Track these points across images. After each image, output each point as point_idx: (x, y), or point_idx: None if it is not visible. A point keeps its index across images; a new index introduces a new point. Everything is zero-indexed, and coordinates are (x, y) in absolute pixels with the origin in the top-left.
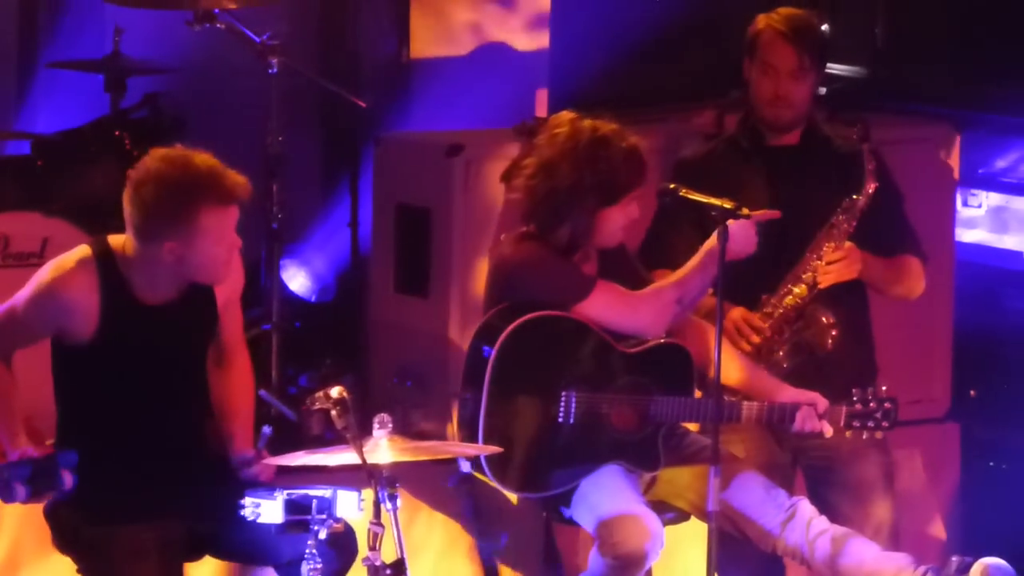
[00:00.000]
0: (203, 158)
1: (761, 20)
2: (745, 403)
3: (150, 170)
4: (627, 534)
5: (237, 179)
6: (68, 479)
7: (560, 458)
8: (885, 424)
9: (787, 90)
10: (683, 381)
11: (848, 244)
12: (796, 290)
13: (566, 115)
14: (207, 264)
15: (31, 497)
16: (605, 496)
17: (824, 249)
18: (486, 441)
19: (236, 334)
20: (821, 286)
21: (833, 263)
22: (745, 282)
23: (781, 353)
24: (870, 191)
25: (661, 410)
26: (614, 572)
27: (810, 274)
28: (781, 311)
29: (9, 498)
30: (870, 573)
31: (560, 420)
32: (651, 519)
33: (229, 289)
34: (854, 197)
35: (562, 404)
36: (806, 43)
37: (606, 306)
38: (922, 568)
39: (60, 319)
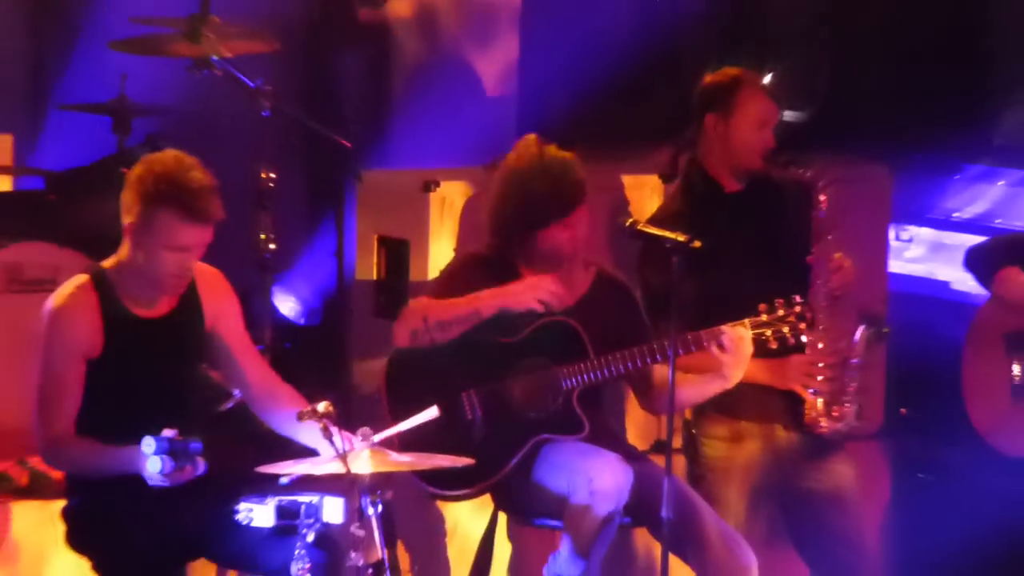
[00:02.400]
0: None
1: (734, 77)
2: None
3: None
4: (599, 471)
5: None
6: (201, 464)
7: (485, 451)
8: (803, 326)
9: (757, 140)
10: (577, 347)
11: (838, 255)
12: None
13: (527, 138)
14: (156, 272)
15: (173, 471)
16: (572, 456)
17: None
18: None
19: (264, 370)
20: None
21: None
22: (713, 314)
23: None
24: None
25: (569, 378)
26: (592, 511)
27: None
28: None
29: (157, 470)
30: None
31: (469, 418)
32: (620, 459)
33: (219, 304)
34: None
35: (465, 404)
36: (775, 95)
37: None
38: None
39: (76, 346)
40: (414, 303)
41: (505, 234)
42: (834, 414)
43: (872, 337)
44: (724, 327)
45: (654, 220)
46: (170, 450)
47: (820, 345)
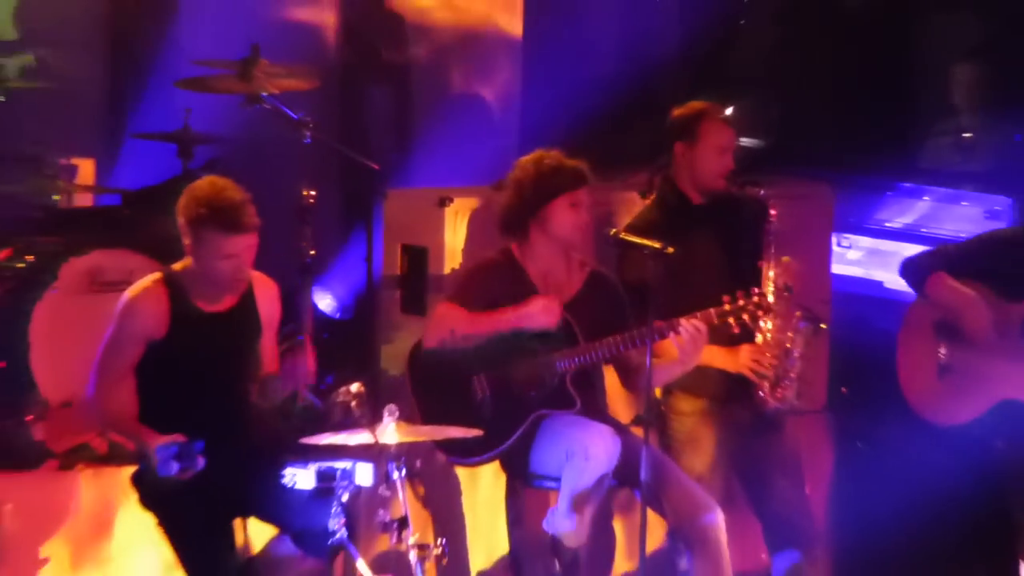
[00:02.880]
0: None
1: (698, 111)
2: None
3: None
4: (593, 440)
5: (240, 215)
6: (200, 460)
7: (494, 425)
8: (760, 312)
9: (723, 164)
10: (570, 336)
11: (785, 258)
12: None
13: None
14: (214, 277)
15: (179, 472)
16: (567, 428)
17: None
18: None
19: (271, 357)
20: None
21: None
22: (681, 307)
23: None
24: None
25: (562, 361)
26: (586, 474)
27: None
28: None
29: (165, 471)
30: None
31: (479, 398)
32: (609, 431)
33: (268, 309)
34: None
35: (476, 386)
36: (737, 126)
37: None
38: None
39: (142, 330)
40: (440, 310)
41: (519, 214)
42: (777, 395)
43: (810, 332)
44: (681, 319)
45: (632, 227)
46: (177, 454)
47: (767, 337)
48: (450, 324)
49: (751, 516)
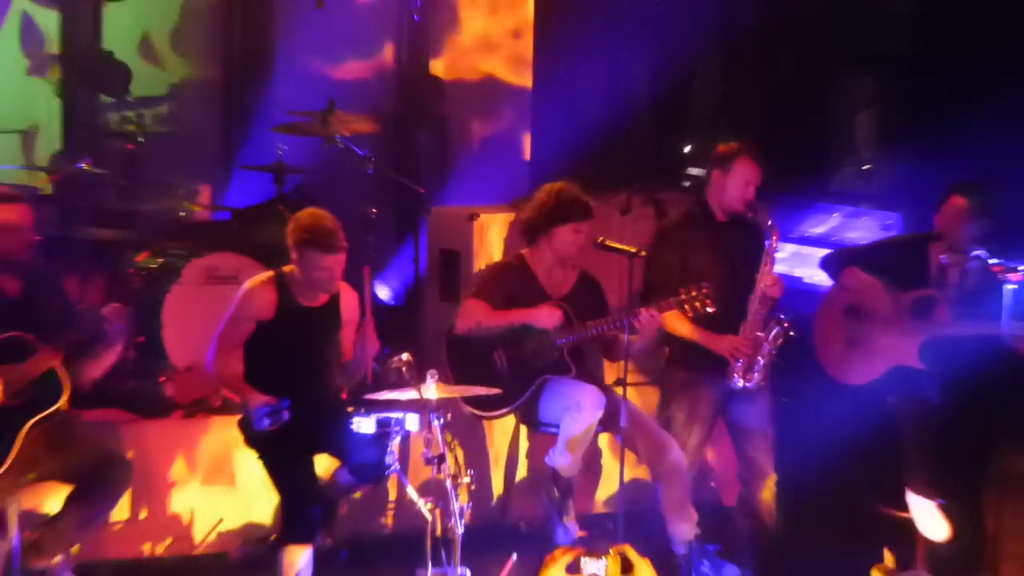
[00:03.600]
0: (315, 218)
1: (737, 148)
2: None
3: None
4: (584, 396)
5: (334, 240)
6: (286, 415)
7: (510, 387)
8: (708, 302)
9: (748, 192)
10: (566, 320)
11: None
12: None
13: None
14: (312, 283)
15: (269, 427)
16: (566, 388)
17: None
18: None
19: (348, 345)
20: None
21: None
22: (723, 313)
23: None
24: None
25: (561, 338)
26: (579, 421)
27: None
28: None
29: (259, 427)
30: (669, 510)
31: (499, 367)
32: (597, 390)
33: (349, 312)
34: (767, 261)
35: (496, 358)
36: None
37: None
38: (695, 532)
39: (255, 313)
40: (467, 304)
41: (536, 226)
42: (747, 377)
43: (780, 334)
44: (641, 308)
45: (664, 230)
46: (269, 413)
47: (747, 330)
48: (476, 317)
49: (732, 454)
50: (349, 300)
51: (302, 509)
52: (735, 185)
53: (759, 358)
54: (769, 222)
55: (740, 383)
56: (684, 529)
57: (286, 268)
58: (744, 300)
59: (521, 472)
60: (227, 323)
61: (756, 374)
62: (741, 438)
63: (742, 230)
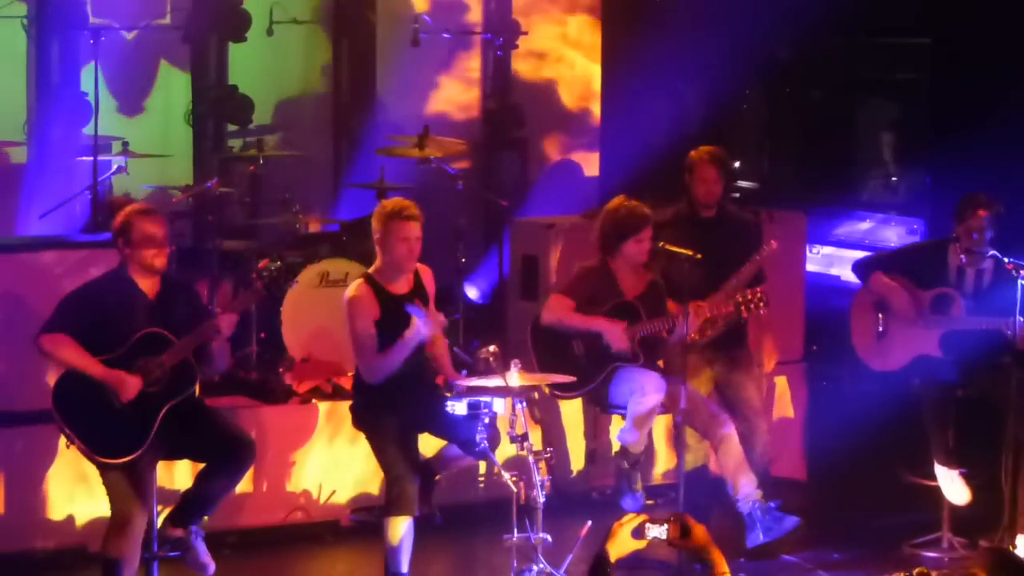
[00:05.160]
0: (394, 200)
1: (695, 154)
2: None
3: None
4: (649, 382)
5: (411, 210)
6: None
7: (585, 372)
8: (762, 304)
9: (712, 189)
10: (638, 318)
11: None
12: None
13: (619, 197)
14: (396, 258)
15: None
16: (633, 374)
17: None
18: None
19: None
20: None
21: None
22: (691, 292)
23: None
24: (772, 247)
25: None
26: (645, 403)
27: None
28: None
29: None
30: (732, 473)
31: (576, 354)
32: (659, 376)
33: (430, 285)
34: (757, 258)
35: (574, 347)
36: (721, 165)
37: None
38: (759, 493)
39: (367, 314)
40: (553, 300)
41: (607, 245)
42: (700, 333)
43: (735, 315)
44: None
45: (657, 224)
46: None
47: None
48: (559, 314)
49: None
50: (427, 275)
51: (404, 484)
52: (696, 184)
53: (716, 322)
54: (758, 214)
55: (691, 335)
56: (746, 490)
57: (370, 268)
58: (717, 288)
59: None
60: (356, 337)
61: (707, 334)
62: (735, 408)
63: (726, 223)
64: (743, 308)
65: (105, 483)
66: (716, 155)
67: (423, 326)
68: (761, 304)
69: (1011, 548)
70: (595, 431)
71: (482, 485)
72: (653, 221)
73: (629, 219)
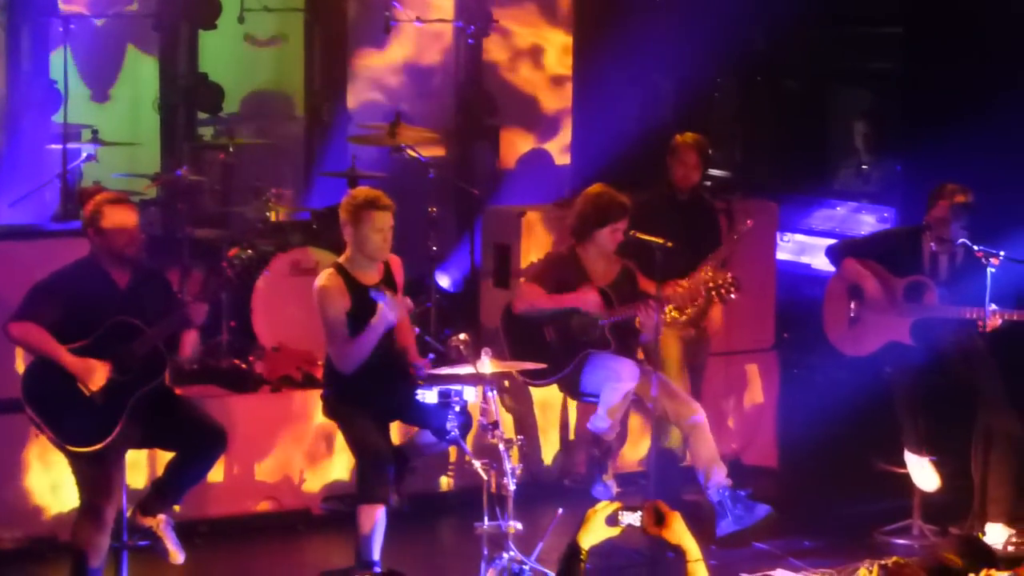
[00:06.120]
0: (367, 189)
1: (678, 139)
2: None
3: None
4: (622, 368)
5: (383, 200)
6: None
7: (557, 359)
8: (733, 289)
9: (690, 174)
10: (608, 303)
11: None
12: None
13: (597, 185)
14: (369, 249)
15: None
16: (606, 361)
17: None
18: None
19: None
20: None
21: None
22: (668, 273)
23: (688, 311)
24: (746, 228)
25: (603, 319)
26: (617, 391)
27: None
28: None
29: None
30: (703, 462)
31: (548, 340)
32: (632, 363)
33: (400, 275)
34: (734, 236)
35: (546, 333)
36: (703, 154)
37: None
38: (727, 482)
39: (338, 304)
40: (523, 288)
41: (583, 229)
42: (670, 317)
43: (707, 301)
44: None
45: (636, 205)
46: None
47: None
48: (531, 300)
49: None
50: (396, 265)
51: (376, 472)
52: (676, 168)
53: (686, 305)
54: (720, 204)
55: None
56: (717, 478)
57: (340, 258)
58: (690, 268)
59: (567, 436)
60: (327, 326)
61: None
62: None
63: (700, 207)
64: (714, 293)
65: (74, 472)
66: (700, 142)
67: (388, 311)
68: (732, 289)
69: (980, 535)
70: (568, 418)
71: (452, 473)
72: (631, 204)
73: (611, 206)
